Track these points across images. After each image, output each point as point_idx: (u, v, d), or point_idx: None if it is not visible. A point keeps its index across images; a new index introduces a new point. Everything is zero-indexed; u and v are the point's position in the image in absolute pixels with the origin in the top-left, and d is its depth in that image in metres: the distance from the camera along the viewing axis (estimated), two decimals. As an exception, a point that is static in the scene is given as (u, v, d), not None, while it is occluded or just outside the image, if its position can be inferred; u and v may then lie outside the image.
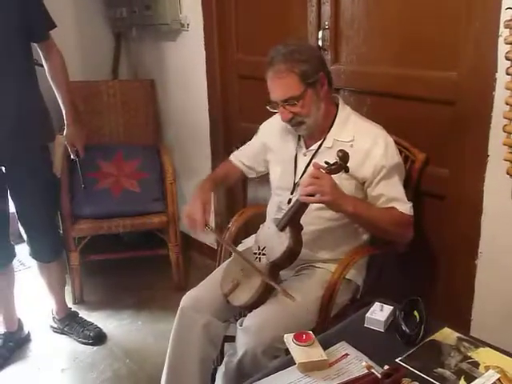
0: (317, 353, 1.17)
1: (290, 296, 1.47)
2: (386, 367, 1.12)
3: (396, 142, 1.76)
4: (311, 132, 1.70)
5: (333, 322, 1.61)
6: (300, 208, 1.55)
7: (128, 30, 3.12)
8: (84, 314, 2.58)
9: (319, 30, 2.09)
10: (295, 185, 1.74)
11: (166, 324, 2.34)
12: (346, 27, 2.02)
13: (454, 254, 1.85)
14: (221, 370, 1.69)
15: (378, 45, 1.94)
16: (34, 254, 2.34)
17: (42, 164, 2.25)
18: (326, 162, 1.51)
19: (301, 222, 1.59)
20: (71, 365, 2.29)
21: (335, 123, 1.69)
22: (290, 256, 1.55)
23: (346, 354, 1.22)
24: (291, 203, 1.64)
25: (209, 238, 2.98)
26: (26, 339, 2.44)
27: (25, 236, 2.32)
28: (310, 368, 1.16)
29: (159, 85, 3.07)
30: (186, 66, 2.84)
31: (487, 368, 1.17)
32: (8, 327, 2.38)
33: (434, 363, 1.19)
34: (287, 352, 1.26)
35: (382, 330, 1.32)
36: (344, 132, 1.68)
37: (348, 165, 1.51)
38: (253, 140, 1.98)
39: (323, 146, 1.70)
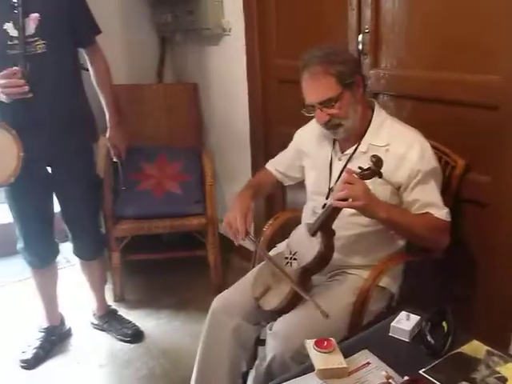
0: (337, 360, 1.16)
1: (317, 306, 1.45)
2: (406, 378, 1.09)
3: (436, 148, 1.73)
4: (348, 135, 1.67)
5: (366, 330, 1.59)
6: (332, 213, 1.54)
7: (172, 34, 3.18)
8: (123, 311, 2.64)
9: (359, 34, 2.06)
10: (330, 190, 1.72)
11: (202, 325, 2.36)
12: (386, 31, 1.99)
13: (495, 263, 1.78)
14: (252, 373, 1.69)
15: (419, 49, 1.90)
16: (77, 251, 2.42)
17: (86, 165, 2.32)
18: (360, 168, 1.49)
19: (334, 227, 1.57)
20: (109, 361, 2.35)
21: (370, 127, 1.66)
22: (321, 261, 1.54)
23: (368, 363, 1.19)
24: (324, 208, 1.63)
25: (248, 242, 2.99)
26: (67, 334, 2.52)
27: (69, 234, 2.40)
28: (328, 375, 1.15)
29: (202, 88, 3.11)
30: (227, 69, 2.87)
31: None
32: (51, 322, 2.46)
33: (458, 376, 1.15)
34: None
35: (408, 340, 1.29)
36: (379, 136, 1.65)
37: (382, 170, 1.48)
38: (288, 147, 1.98)
39: (358, 150, 1.67)
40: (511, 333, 1.75)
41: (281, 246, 1.85)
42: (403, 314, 1.33)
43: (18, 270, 2.76)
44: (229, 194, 3.08)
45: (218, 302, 1.72)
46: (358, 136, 1.67)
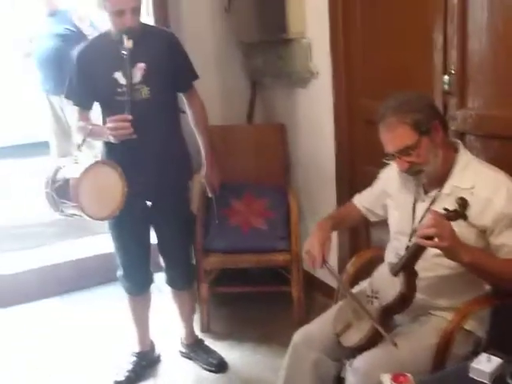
0: (413, 396, 1.16)
1: (393, 343, 1.45)
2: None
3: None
4: (430, 179, 1.69)
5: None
6: (416, 252, 1.54)
7: (262, 78, 3.35)
8: (209, 342, 2.73)
9: (444, 75, 2.08)
10: (413, 231, 1.73)
11: (283, 359, 2.40)
12: (473, 71, 1.99)
13: None
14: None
15: (507, 88, 1.88)
16: (170, 281, 2.56)
17: (182, 201, 2.49)
18: (445, 209, 1.50)
19: (418, 268, 1.57)
20: (194, 388, 2.44)
21: (455, 169, 1.66)
22: (402, 302, 1.54)
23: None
24: (407, 248, 1.64)
25: (330, 279, 3.01)
26: (157, 360, 2.65)
27: (163, 265, 2.56)
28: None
29: (289, 129, 3.22)
30: (314, 110, 2.96)
31: None
32: (142, 347, 2.60)
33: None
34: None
35: (488, 382, 1.25)
36: (464, 178, 1.64)
37: (467, 213, 1.48)
38: (374, 184, 2.02)
39: (442, 192, 1.68)
40: None
41: (363, 284, 1.87)
42: (484, 355, 1.30)
43: (116, 296, 2.96)
44: (313, 232, 3.13)
45: (299, 335, 1.76)
46: (442, 178, 1.68)
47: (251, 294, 2.96)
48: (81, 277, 3.42)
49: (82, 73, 2.24)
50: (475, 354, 1.66)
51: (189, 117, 2.48)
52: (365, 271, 2.09)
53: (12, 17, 5.22)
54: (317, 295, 3.12)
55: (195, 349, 2.65)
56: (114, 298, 2.99)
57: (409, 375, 1.21)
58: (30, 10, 4.68)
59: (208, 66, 3.15)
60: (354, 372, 1.55)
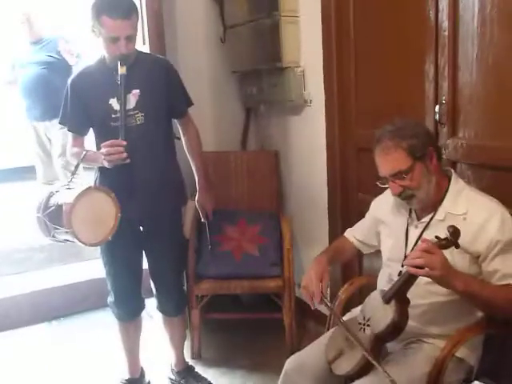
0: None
1: (387, 376, 1.44)
2: None
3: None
4: (423, 205, 1.71)
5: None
6: (407, 280, 1.55)
7: (257, 105, 3.39)
8: (200, 369, 2.70)
9: (436, 105, 2.12)
10: (406, 257, 1.74)
11: (275, 388, 2.38)
12: (463, 102, 2.03)
13: None
14: None
15: (496, 119, 1.91)
16: (160, 307, 2.54)
17: (175, 226, 2.48)
18: (437, 237, 1.51)
19: (410, 295, 1.58)
20: (184, 417, 2.40)
21: (448, 196, 1.69)
22: (394, 330, 1.54)
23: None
24: (400, 275, 1.65)
25: (323, 306, 2.99)
26: (147, 387, 2.62)
27: (154, 290, 2.54)
28: None
29: (282, 156, 3.26)
30: (307, 138, 3.00)
31: None
32: (132, 373, 2.57)
33: None
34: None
35: (480, 410, 1.25)
36: (457, 204, 1.66)
37: (459, 240, 1.49)
38: (366, 216, 2.04)
39: (435, 218, 1.69)
40: None
41: (355, 311, 1.87)
42: (476, 383, 1.30)
43: (107, 322, 2.92)
44: (305, 258, 3.13)
45: (291, 362, 1.75)
46: (434, 204, 1.70)
47: (243, 321, 2.94)
48: (72, 302, 3.39)
49: (77, 99, 2.25)
50: (467, 382, 1.68)
51: (183, 143, 2.50)
52: (357, 298, 2.09)
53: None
54: (309, 322, 3.10)
55: (185, 376, 2.61)
56: (105, 323, 2.96)
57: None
58: (12, 38, 4.64)
59: (203, 93, 3.20)
60: (346, 401, 1.54)
